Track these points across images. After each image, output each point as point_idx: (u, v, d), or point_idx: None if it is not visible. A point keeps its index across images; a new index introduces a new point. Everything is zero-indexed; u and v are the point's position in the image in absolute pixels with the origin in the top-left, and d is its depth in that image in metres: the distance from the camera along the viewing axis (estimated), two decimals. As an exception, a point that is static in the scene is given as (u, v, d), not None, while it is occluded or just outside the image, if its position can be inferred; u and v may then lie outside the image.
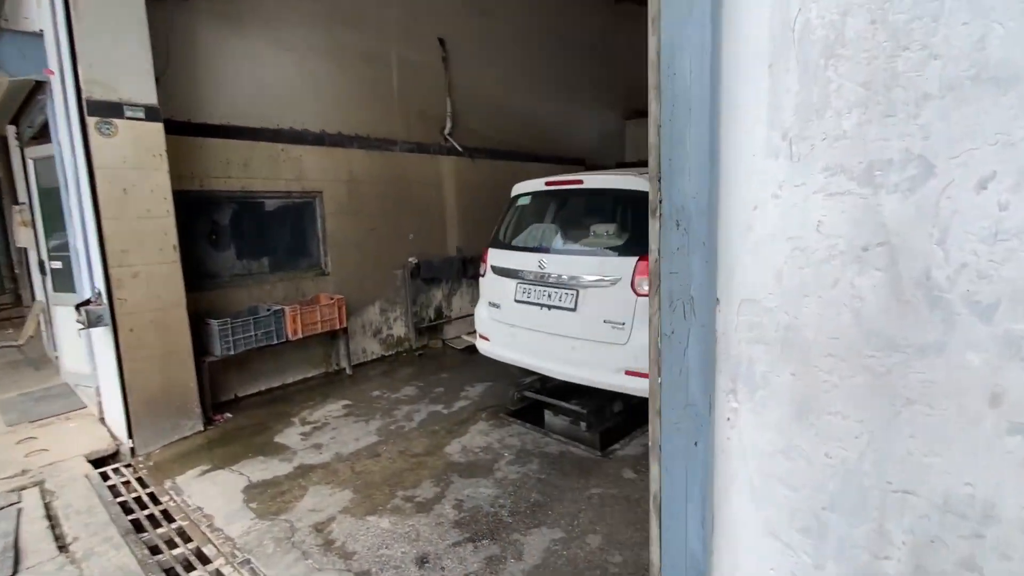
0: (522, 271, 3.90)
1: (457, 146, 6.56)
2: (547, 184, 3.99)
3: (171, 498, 3.25)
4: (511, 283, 4.00)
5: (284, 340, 4.74)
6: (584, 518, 2.85)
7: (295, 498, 3.17)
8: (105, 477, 3.55)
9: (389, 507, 3.02)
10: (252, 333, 4.50)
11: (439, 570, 2.50)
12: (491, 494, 3.11)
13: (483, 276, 4.34)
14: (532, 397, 4.28)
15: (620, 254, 3.43)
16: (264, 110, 4.88)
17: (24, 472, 3.56)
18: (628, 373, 3.39)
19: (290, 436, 4.03)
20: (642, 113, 9.75)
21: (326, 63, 5.31)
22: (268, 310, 4.71)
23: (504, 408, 4.37)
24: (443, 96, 6.41)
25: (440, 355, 6.11)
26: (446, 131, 6.46)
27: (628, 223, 3.56)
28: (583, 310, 3.54)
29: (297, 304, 4.90)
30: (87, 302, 3.87)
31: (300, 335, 4.82)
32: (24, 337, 6.21)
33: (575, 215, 3.98)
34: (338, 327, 5.18)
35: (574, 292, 3.58)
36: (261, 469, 3.54)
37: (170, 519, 3.04)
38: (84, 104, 3.46)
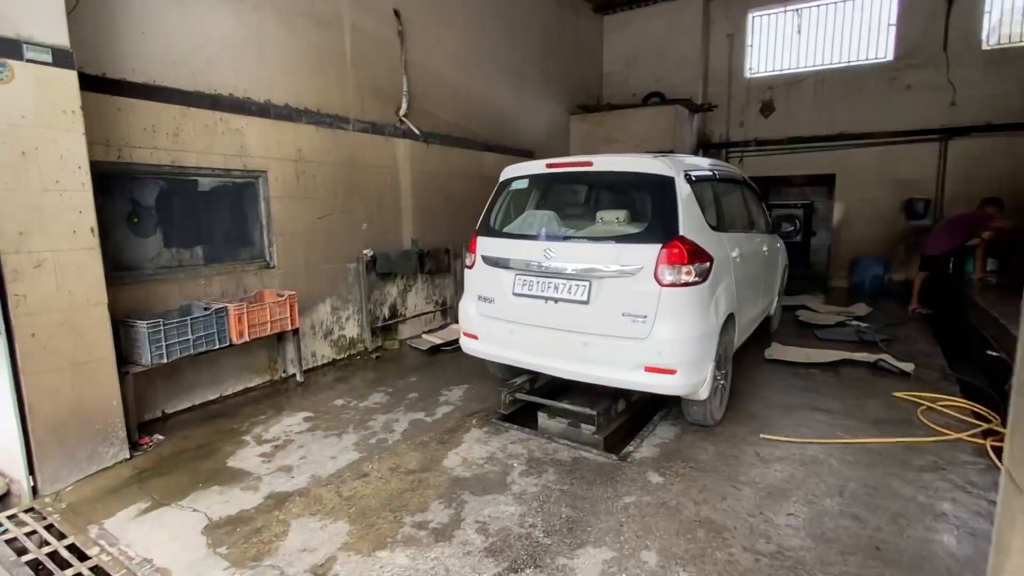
0: (522, 261, 3.54)
1: (414, 129, 6.02)
2: (548, 166, 3.66)
3: (103, 549, 2.52)
4: (508, 275, 3.63)
5: (227, 344, 4.00)
6: (629, 532, 2.56)
7: (276, 536, 2.58)
8: (-1, 529, 2.71)
9: (400, 537, 2.54)
10: (189, 337, 3.73)
11: (486, 612, 2.09)
12: (515, 512, 2.73)
13: (471, 268, 3.91)
14: (525, 399, 3.94)
15: (640, 241, 3.18)
16: (200, 71, 4.09)
17: None
18: (648, 369, 3.16)
19: (247, 458, 3.36)
20: (587, 109, 9.73)
21: (273, 22, 4.58)
22: (206, 309, 3.94)
23: (494, 412, 3.98)
24: (398, 73, 5.85)
25: (399, 357, 5.55)
26: (401, 112, 5.90)
27: (647, 208, 3.34)
28: (597, 303, 3.26)
29: (242, 302, 4.16)
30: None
31: (247, 338, 4.10)
32: None
33: (584, 200, 3.69)
34: (289, 328, 4.49)
35: (586, 283, 3.29)
36: (221, 502, 2.88)
37: (107, 579, 2.34)
38: (-35, 36, 2.60)
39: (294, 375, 4.84)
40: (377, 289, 5.77)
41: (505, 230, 3.79)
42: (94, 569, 2.41)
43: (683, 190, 3.24)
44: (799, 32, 9.53)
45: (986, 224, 6.60)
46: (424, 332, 5.88)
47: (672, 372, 3.10)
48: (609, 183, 3.61)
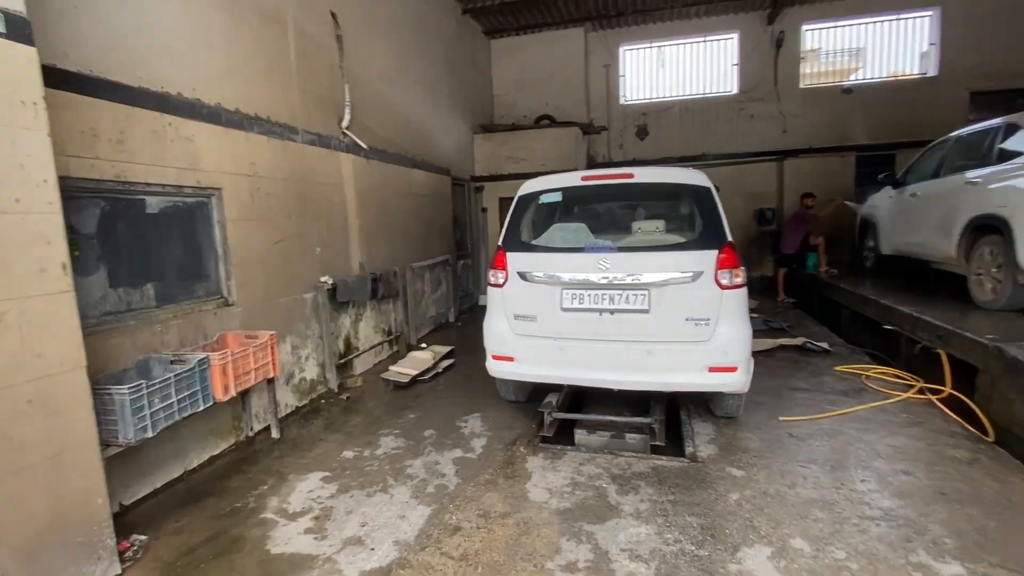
0: (571, 275, 3.45)
1: (358, 142, 5.48)
2: (585, 179, 3.63)
3: None
4: (554, 290, 3.51)
5: (211, 403, 3.18)
6: (763, 526, 2.63)
7: (418, 622, 2.12)
8: None
9: (562, 586, 2.27)
10: (173, 400, 2.88)
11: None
12: (649, 532, 2.63)
13: (500, 286, 3.69)
14: (564, 417, 3.83)
15: (697, 248, 3.34)
16: (143, 61, 3.24)
17: None
18: (712, 369, 3.31)
19: (293, 539, 2.70)
20: (488, 129, 9.86)
21: (218, 12, 3.83)
22: (173, 362, 3.09)
23: (534, 436, 3.77)
24: (339, 82, 5.29)
25: (370, 395, 4.93)
26: (344, 124, 5.34)
27: (695, 216, 3.50)
28: (659, 310, 3.32)
29: (217, 350, 3.35)
30: None
31: (232, 393, 3.31)
32: None
33: (629, 210, 3.72)
34: (271, 375, 3.73)
35: (646, 292, 3.33)
36: (307, 600, 2.27)
37: None
38: None
39: (263, 432, 4.02)
40: (333, 321, 5.09)
41: (539, 244, 3.66)
42: None
43: (718, 199, 3.49)
44: (663, 66, 10.88)
45: (806, 216, 8.18)
46: (392, 366, 5.31)
47: (734, 370, 3.29)
48: (646, 194, 3.71)
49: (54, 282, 2.22)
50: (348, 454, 3.67)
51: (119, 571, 2.47)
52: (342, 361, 5.18)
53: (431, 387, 5.07)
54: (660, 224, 3.58)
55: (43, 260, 2.18)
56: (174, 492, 3.25)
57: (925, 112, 9.45)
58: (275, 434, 3.98)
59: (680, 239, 3.47)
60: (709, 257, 3.27)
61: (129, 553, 2.63)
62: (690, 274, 3.27)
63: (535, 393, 4.38)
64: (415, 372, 5.11)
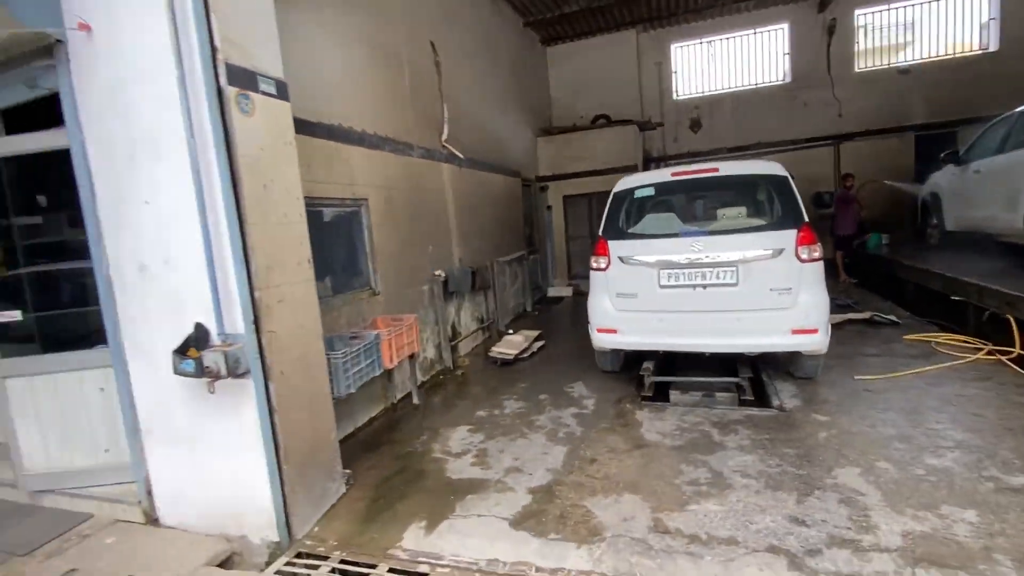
0: (667, 257, 4.07)
1: (457, 153, 6.27)
2: (674, 175, 4.25)
3: (433, 565, 2.56)
4: (651, 271, 4.14)
5: (381, 371, 3.99)
6: (852, 453, 3.19)
7: (585, 515, 2.80)
8: None
9: (690, 494, 2.91)
10: (362, 365, 3.70)
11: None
12: (753, 459, 3.23)
13: (603, 269, 4.35)
14: (662, 380, 4.45)
15: (777, 228, 3.90)
16: (318, 102, 4.07)
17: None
18: (795, 332, 3.86)
19: (464, 469, 3.45)
20: (549, 132, 10.52)
21: (359, 53, 4.66)
22: (352, 338, 3.91)
23: (635, 397, 4.42)
24: (438, 102, 6.09)
25: (478, 372, 5.70)
26: (444, 138, 6.13)
27: (774, 201, 4.06)
28: (747, 283, 3.90)
29: (392, 326, 4.16)
30: (187, 347, 2.76)
31: (394, 363, 4.11)
32: None
33: (716, 199, 4.32)
34: (416, 351, 4.53)
35: (734, 268, 3.92)
36: (493, 504, 3.00)
37: (475, 581, 2.42)
38: (220, 69, 2.55)
39: (403, 400, 4.82)
40: (443, 310, 5.88)
41: (636, 232, 4.30)
42: (445, 580, 2.47)
43: (794, 185, 4.04)
44: (714, 60, 11.26)
45: (850, 196, 8.40)
46: (494, 347, 6.06)
47: (815, 331, 3.83)
48: (728, 184, 4.28)
49: (305, 272, 3.03)
50: (481, 413, 4.41)
51: (344, 490, 3.28)
52: (452, 344, 5.97)
53: (530, 364, 5.78)
54: (742, 210, 4.15)
55: (299, 256, 2.99)
56: (354, 442, 4.07)
57: (987, 87, 9.49)
58: (416, 400, 4.78)
59: (762, 222, 4.04)
60: (789, 236, 3.83)
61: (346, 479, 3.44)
62: (772, 251, 3.84)
63: (627, 364, 5.02)
64: (516, 352, 5.83)
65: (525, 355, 5.92)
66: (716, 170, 4.15)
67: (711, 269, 3.97)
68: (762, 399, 4.21)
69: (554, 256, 10.64)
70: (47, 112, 3.01)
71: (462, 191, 6.59)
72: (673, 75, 11.44)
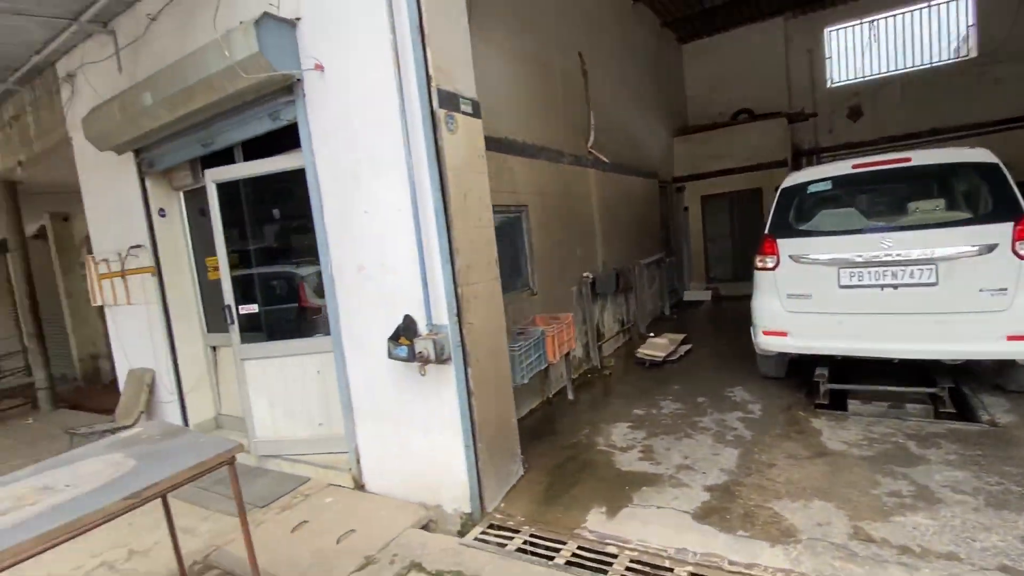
0: (849, 255, 3.83)
1: (602, 158, 6.41)
2: (855, 167, 4.00)
3: (621, 547, 2.68)
4: (829, 270, 3.91)
5: (545, 365, 4.22)
6: (1099, 478, 2.77)
7: (774, 516, 2.76)
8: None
9: (893, 506, 2.73)
10: (532, 358, 3.96)
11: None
12: (964, 476, 2.93)
13: (772, 269, 4.19)
14: (840, 388, 4.16)
15: (987, 222, 3.49)
16: (489, 117, 4.41)
17: (375, 560, 2.79)
18: (1011, 338, 3.41)
19: (633, 463, 3.55)
20: (685, 130, 10.23)
21: (521, 70, 4.99)
22: (519, 333, 4.18)
23: (808, 404, 4.18)
24: (585, 109, 6.27)
25: (626, 372, 5.75)
26: (589, 144, 6.30)
27: (981, 192, 3.65)
28: (948, 283, 3.54)
29: (551, 324, 4.41)
30: (398, 336, 3.18)
31: (556, 359, 4.33)
32: (133, 415, 4.96)
33: (907, 191, 4.00)
34: (571, 348, 4.72)
35: (932, 266, 3.57)
36: (671, 498, 3.05)
37: (657, 567, 2.50)
38: (433, 94, 2.93)
39: (557, 395, 5.03)
40: (591, 310, 6.03)
41: (809, 229, 4.10)
42: (635, 564, 2.58)
43: (1007, 173, 3.58)
44: (876, 41, 10.18)
45: None
46: (640, 348, 6.09)
47: (1039, 337, 3.36)
48: (921, 175, 3.92)
49: (493, 271, 3.35)
50: (639, 412, 4.47)
51: (521, 472, 3.54)
52: (598, 344, 6.09)
53: (678, 367, 5.71)
54: (940, 202, 3.77)
55: (488, 257, 3.32)
56: (520, 430, 4.34)
57: None
58: (570, 396, 4.97)
59: (966, 215, 3.63)
60: (1004, 230, 3.40)
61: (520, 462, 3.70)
62: (981, 247, 3.44)
63: (791, 370, 4.76)
64: (664, 354, 5.79)
65: (673, 358, 5.85)
66: (908, 160, 3.81)
67: (904, 268, 3.65)
68: (964, 412, 3.77)
69: (690, 259, 10.32)
70: (268, 141, 3.70)
71: (605, 195, 6.70)
72: (827, 61, 10.54)
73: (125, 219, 4.96)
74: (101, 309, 5.62)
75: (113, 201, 5.06)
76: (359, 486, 3.69)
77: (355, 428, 3.65)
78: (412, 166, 2.98)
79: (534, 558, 2.67)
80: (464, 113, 3.15)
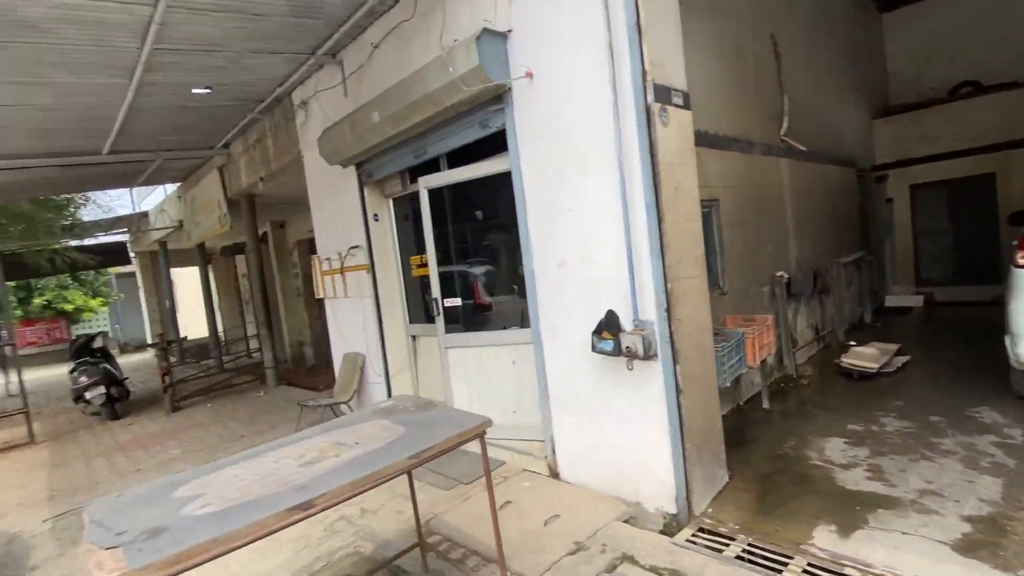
0: None
1: (797, 146, 5.87)
2: None
3: (863, 572, 2.41)
4: None
5: (745, 369, 3.98)
6: None
7: (1071, 566, 2.27)
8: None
9: None
10: (733, 360, 3.76)
11: None
12: None
13: (1043, 267, 3.47)
14: None
15: None
16: (682, 109, 4.33)
17: (585, 547, 2.84)
18: None
19: (860, 482, 3.18)
20: (888, 111, 8.93)
21: (713, 57, 4.78)
22: (716, 334, 3.98)
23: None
24: (777, 93, 5.79)
25: (824, 383, 5.18)
26: (782, 131, 5.80)
27: None
28: None
29: (747, 326, 4.16)
30: (600, 330, 3.22)
31: (756, 363, 4.06)
32: (349, 392, 5.73)
33: None
34: (771, 352, 4.39)
35: None
36: (918, 525, 2.67)
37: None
38: (649, 89, 2.92)
39: (749, 402, 4.71)
40: (785, 313, 5.55)
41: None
42: (884, 592, 2.30)
43: None
44: None
45: None
46: (843, 358, 5.45)
47: None
48: None
49: (700, 267, 3.25)
50: (854, 427, 3.99)
51: (727, 478, 3.37)
52: (792, 351, 5.57)
53: (894, 380, 4.99)
54: None
55: (695, 253, 3.22)
56: (710, 437, 4.16)
57: None
58: (765, 404, 4.62)
59: None
60: None
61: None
62: None
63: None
64: (876, 365, 5.10)
65: (887, 370, 5.13)
66: None
67: None
68: None
69: (894, 258, 8.96)
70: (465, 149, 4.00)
71: (798, 186, 6.11)
72: (1092, 11, 8.42)
73: (345, 223, 5.76)
74: (306, 303, 6.60)
75: (336, 208, 5.90)
76: (553, 474, 3.82)
77: (551, 418, 3.78)
78: (623, 161, 3.01)
79: (757, 567, 2.52)
80: (676, 105, 3.10)
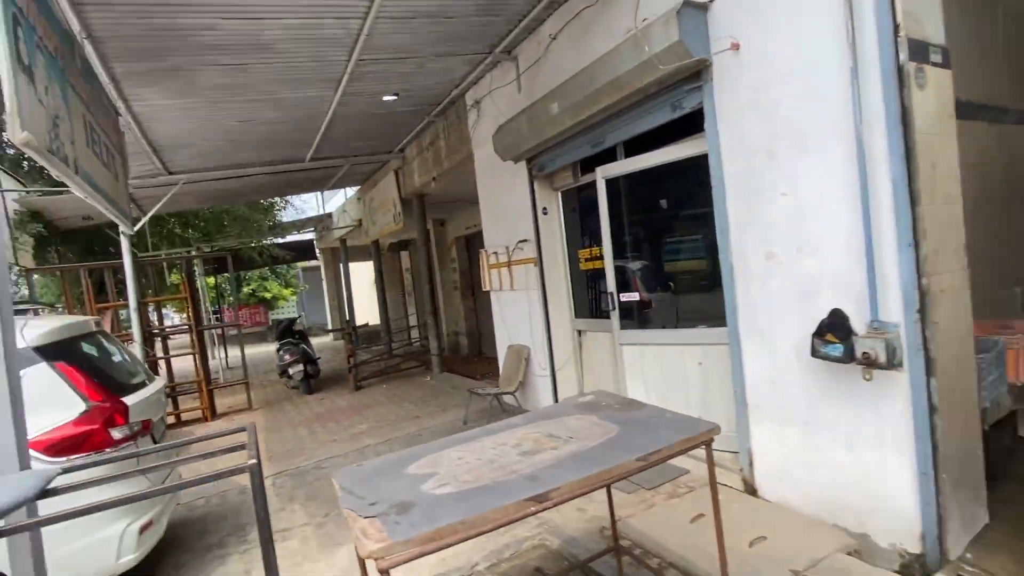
0: None
1: (1066, 111, 4.67)
2: None
3: None
4: None
5: (1005, 388, 3.22)
6: None
7: None
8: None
9: None
10: (994, 375, 3.06)
11: None
12: None
13: None
14: None
15: None
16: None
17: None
18: None
19: None
20: None
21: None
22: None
23: None
24: (1036, 47, 4.65)
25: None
26: (1043, 94, 4.64)
27: None
28: None
29: (1001, 333, 3.38)
30: (822, 332, 2.79)
31: (1020, 379, 3.27)
32: (514, 383, 5.84)
33: None
34: (1038, 367, 3.52)
35: None
36: None
37: None
38: (901, 47, 2.45)
39: (994, 427, 3.81)
40: (1039, 320, 4.45)
41: None
42: None
43: None
44: None
45: None
46: None
47: None
48: None
49: (961, 260, 2.67)
50: None
51: (987, 519, 2.74)
52: (1050, 367, 4.45)
53: None
54: None
55: (956, 242, 2.65)
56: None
57: None
58: (1021, 431, 3.73)
59: None
60: None
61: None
62: None
63: None
64: None
65: None
66: None
67: None
68: None
69: None
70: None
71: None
72: None
73: (514, 218, 5.86)
74: (461, 296, 6.83)
75: (505, 203, 6.04)
76: (749, 489, 3.46)
77: (749, 427, 3.42)
78: (862, 135, 2.56)
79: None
80: (933, 64, 2.57)
